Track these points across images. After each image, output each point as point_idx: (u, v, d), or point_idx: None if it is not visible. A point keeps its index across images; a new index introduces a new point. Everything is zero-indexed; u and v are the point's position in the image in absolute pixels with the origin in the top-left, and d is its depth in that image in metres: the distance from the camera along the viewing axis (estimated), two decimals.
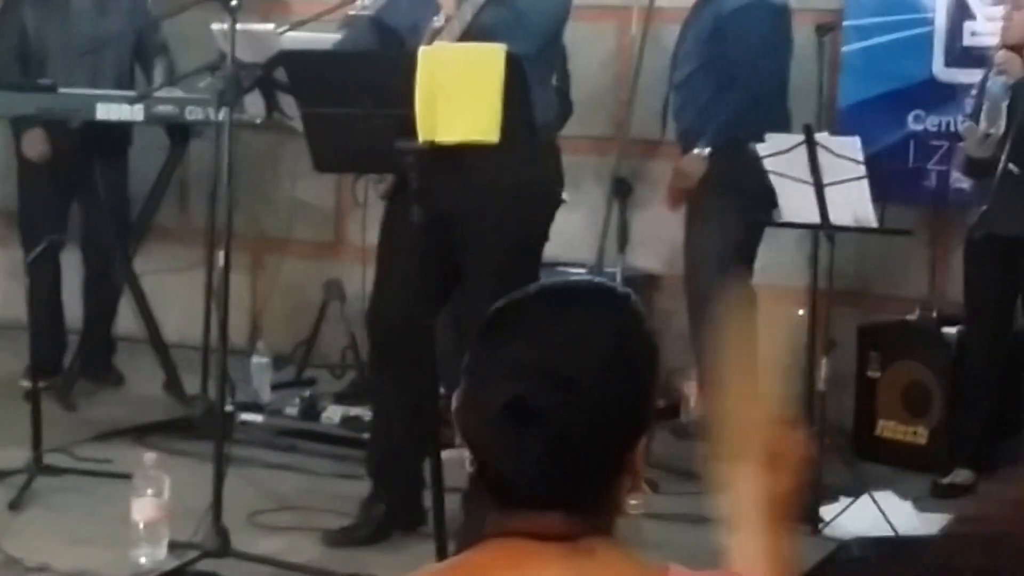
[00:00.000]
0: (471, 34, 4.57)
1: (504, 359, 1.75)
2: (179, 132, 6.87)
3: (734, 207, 5.83)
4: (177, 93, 6.53)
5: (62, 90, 6.42)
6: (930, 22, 6.26)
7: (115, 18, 6.82)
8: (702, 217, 6.03)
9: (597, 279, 1.94)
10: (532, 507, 1.74)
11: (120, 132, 6.76)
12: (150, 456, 4.91)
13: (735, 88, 5.92)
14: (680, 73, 6.13)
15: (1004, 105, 5.39)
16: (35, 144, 6.72)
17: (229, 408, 5.68)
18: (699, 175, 5.92)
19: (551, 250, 5.35)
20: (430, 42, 4.65)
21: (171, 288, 7.37)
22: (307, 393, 6.40)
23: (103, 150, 6.63)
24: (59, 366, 6.82)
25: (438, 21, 4.76)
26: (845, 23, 6.42)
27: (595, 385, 1.73)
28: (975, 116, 5.53)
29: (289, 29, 6.19)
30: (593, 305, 1.82)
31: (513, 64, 4.21)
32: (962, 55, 6.21)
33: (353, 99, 4.40)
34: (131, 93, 6.56)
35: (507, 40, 4.35)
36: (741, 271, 6.10)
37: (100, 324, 6.98)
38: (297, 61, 4.80)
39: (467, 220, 4.78)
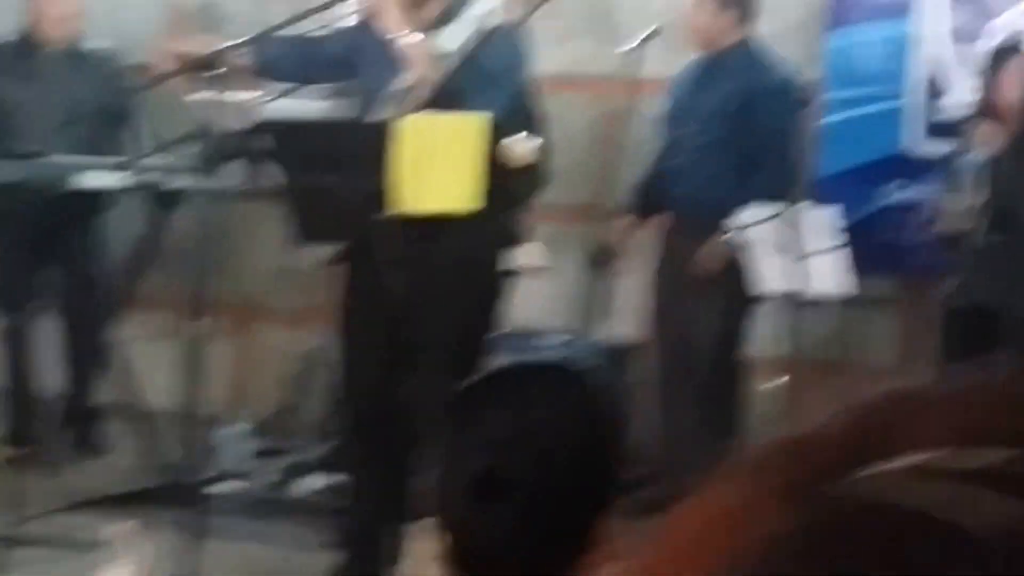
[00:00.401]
0: (442, 96, 4.55)
1: (473, 434, 1.78)
2: (163, 199, 6.88)
3: (742, 283, 5.81)
4: (161, 161, 6.54)
5: (47, 158, 6.43)
6: (904, 96, 6.32)
7: (88, 84, 6.81)
8: (707, 293, 5.97)
9: (557, 358, 1.99)
10: None
11: (95, 196, 6.75)
12: (126, 525, 4.89)
13: (761, 173, 5.88)
14: (690, 139, 6.04)
15: (982, 176, 5.44)
16: None
17: (205, 477, 5.66)
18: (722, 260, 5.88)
19: (531, 318, 5.36)
20: (400, 104, 4.66)
21: (153, 355, 7.36)
22: (285, 462, 6.37)
23: (79, 214, 6.63)
24: (38, 433, 6.80)
25: (405, 82, 4.75)
26: (824, 95, 6.47)
27: (561, 457, 1.76)
28: (950, 188, 5.57)
29: (273, 99, 6.23)
30: (555, 381, 1.86)
31: (493, 133, 4.24)
32: (935, 129, 6.27)
33: (334, 168, 4.43)
34: (118, 160, 6.52)
35: (477, 101, 4.35)
36: (741, 346, 6.09)
37: (82, 391, 6.96)
38: (279, 130, 4.82)
39: (430, 290, 4.71)
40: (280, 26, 5.25)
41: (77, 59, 6.85)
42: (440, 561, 1.81)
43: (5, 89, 6.77)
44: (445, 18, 4.82)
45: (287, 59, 5.17)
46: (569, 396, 1.84)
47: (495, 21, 4.56)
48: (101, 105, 6.85)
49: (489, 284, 4.90)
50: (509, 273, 5.03)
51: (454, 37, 4.78)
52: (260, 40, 5.20)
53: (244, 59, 5.10)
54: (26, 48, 6.82)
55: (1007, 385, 0.65)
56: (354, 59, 5.01)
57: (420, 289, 4.65)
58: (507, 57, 4.74)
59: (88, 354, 6.88)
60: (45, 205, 6.45)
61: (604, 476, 1.82)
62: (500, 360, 1.87)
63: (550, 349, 6.31)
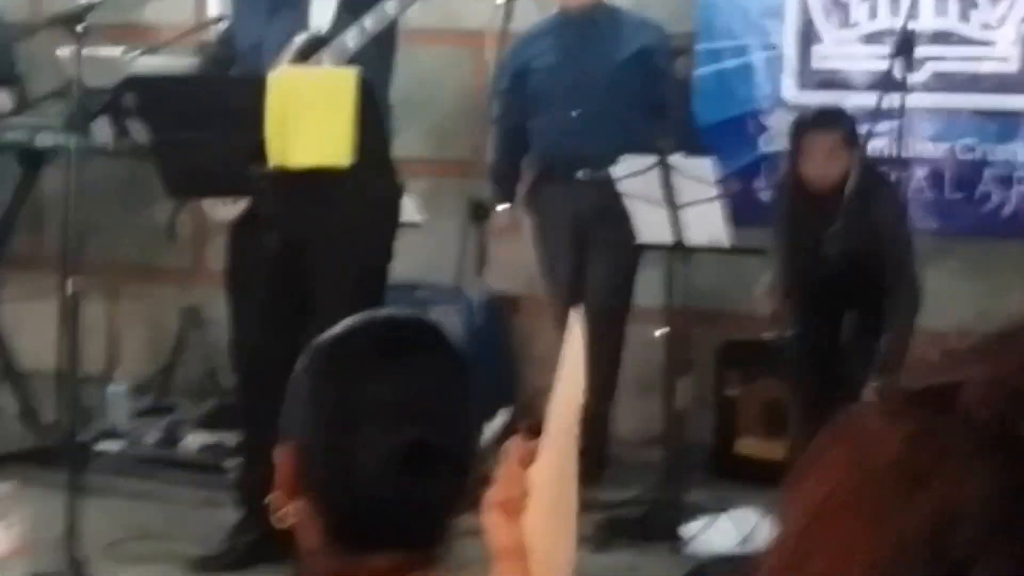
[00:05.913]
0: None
1: (385, 402, 1.72)
2: (31, 158, 6.77)
3: (627, 234, 5.77)
4: (28, 119, 6.44)
5: None
6: (779, 46, 6.35)
7: None
8: (599, 245, 6.00)
9: (409, 312, 1.94)
10: (380, 547, 1.71)
11: None
12: (4, 487, 4.83)
13: (640, 123, 5.90)
14: (563, 94, 6.05)
15: None
16: None
17: (85, 437, 5.61)
18: None
19: (409, 273, 5.35)
20: (294, 60, 4.60)
21: (26, 316, 7.26)
22: (166, 421, 6.32)
23: None
24: None
25: (299, 39, 4.68)
26: (696, 47, 6.48)
27: (471, 420, 1.75)
28: None
29: (142, 54, 6.15)
30: (435, 340, 1.81)
31: (365, 87, 4.21)
32: (811, 78, 6.31)
33: (203, 124, 4.38)
34: None
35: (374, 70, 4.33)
36: (631, 296, 6.12)
37: None
38: (145, 86, 4.76)
39: (316, 245, 4.73)
40: None
41: None
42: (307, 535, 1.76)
43: None
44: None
45: None
46: (451, 347, 1.80)
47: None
48: None
49: (376, 235, 4.88)
50: (393, 220, 5.02)
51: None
52: None
53: None
54: None
55: None
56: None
57: (307, 243, 4.63)
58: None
59: None
60: None
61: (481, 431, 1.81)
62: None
63: (430, 303, 6.31)
